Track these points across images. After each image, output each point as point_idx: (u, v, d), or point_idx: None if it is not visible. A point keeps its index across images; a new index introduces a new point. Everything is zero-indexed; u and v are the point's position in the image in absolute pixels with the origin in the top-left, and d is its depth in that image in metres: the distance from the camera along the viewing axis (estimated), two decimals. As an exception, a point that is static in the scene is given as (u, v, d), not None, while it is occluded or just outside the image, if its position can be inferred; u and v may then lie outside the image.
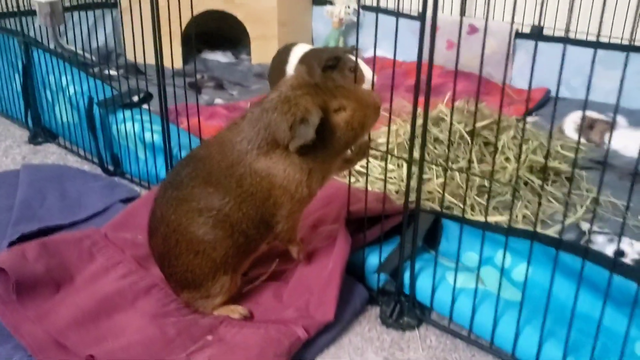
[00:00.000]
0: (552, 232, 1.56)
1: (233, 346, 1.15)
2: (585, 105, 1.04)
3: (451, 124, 1.19)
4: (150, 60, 1.64)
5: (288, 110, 1.09)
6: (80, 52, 1.85)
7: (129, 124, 1.84)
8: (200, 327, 1.21)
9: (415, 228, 1.28)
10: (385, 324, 1.30)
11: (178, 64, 2.84)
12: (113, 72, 2.75)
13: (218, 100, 2.53)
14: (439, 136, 1.82)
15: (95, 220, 1.65)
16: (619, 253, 1.51)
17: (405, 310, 1.31)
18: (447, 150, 1.74)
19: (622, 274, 1.23)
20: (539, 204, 1.16)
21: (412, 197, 1.26)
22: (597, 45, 1.20)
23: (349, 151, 1.31)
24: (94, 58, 1.92)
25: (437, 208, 1.58)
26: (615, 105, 1.01)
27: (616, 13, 2.44)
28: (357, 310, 1.32)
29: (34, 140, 2.19)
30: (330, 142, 1.13)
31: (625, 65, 0.98)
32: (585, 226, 1.61)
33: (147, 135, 1.79)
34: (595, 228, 1.61)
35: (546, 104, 2.53)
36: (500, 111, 1.15)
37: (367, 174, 1.33)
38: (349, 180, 1.36)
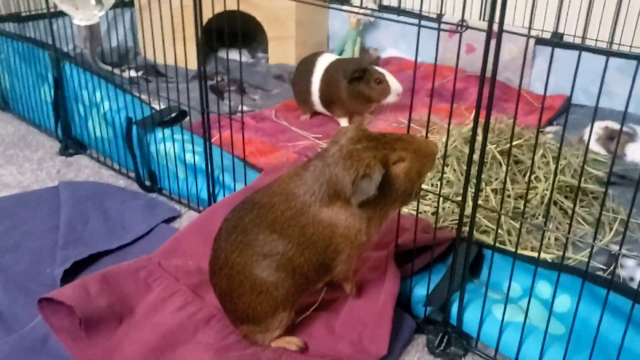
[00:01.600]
0: (582, 256, 1.62)
1: (297, 383, 1.21)
2: (594, 117, 1.10)
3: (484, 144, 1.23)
4: (169, 60, 1.66)
5: (351, 166, 1.15)
6: (117, 72, 1.87)
7: (168, 144, 1.88)
8: (263, 361, 1.27)
9: (466, 260, 1.34)
10: (433, 354, 1.37)
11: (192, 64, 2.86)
12: (133, 74, 2.77)
13: (243, 108, 2.56)
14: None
15: (141, 243, 1.70)
16: (649, 278, 1.57)
17: (452, 341, 1.38)
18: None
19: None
20: (567, 239, 1.22)
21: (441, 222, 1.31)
22: (610, 53, 1.22)
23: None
24: (131, 74, 1.94)
25: (475, 234, 1.64)
26: (622, 116, 1.05)
27: (639, 21, 2.47)
28: (406, 340, 1.39)
29: (65, 151, 2.22)
30: (389, 192, 1.19)
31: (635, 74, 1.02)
32: (614, 248, 1.67)
33: (188, 156, 1.83)
34: (624, 251, 1.67)
35: (567, 111, 2.57)
36: (514, 126, 1.20)
37: (417, 210, 1.38)
38: (399, 214, 1.41)
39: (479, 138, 1.96)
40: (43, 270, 1.58)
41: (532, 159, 1.21)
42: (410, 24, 1.25)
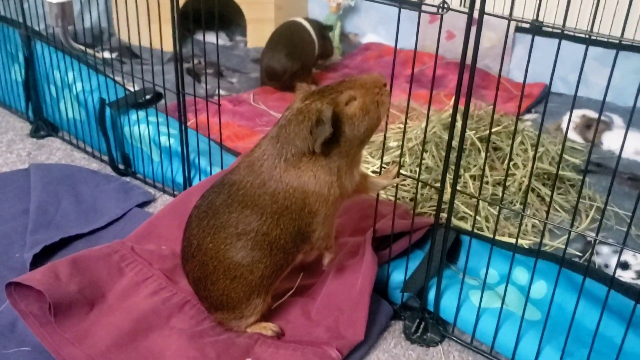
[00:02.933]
0: (559, 243, 1.63)
1: (273, 369, 1.20)
2: (572, 106, 1.10)
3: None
4: (144, 42, 1.63)
5: (303, 119, 1.15)
6: (90, 51, 1.82)
7: (142, 126, 1.84)
8: (238, 347, 1.25)
9: (443, 247, 1.33)
10: (410, 340, 1.36)
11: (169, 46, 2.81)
12: (105, 55, 2.71)
13: (220, 91, 2.51)
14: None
15: (114, 228, 1.66)
16: (623, 265, 1.58)
17: (429, 327, 1.37)
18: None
19: (621, 292, 1.32)
20: (544, 225, 1.22)
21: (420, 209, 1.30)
22: (589, 42, 1.20)
23: (381, 177, 1.35)
24: (105, 55, 1.89)
25: (453, 220, 1.63)
26: (601, 105, 1.05)
27: (617, 11, 2.48)
28: (383, 326, 1.38)
29: (36, 133, 2.16)
30: (352, 132, 1.17)
31: (614, 64, 1.02)
32: (590, 235, 1.68)
33: (163, 139, 1.79)
34: (599, 238, 1.68)
35: (546, 99, 2.58)
36: (493, 112, 1.20)
37: (395, 196, 1.37)
38: (377, 198, 1.39)
39: (458, 124, 1.95)
40: (12, 254, 1.54)
41: (511, 146, 1.20)
42: (390, 4, 1.23)
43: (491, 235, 1.59)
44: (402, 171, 1.35)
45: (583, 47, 2.58)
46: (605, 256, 1.62)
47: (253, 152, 1.23)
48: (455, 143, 1.85)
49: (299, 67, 2.49)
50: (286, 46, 2.51)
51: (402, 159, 1.86)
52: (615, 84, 2.47)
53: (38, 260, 1.50)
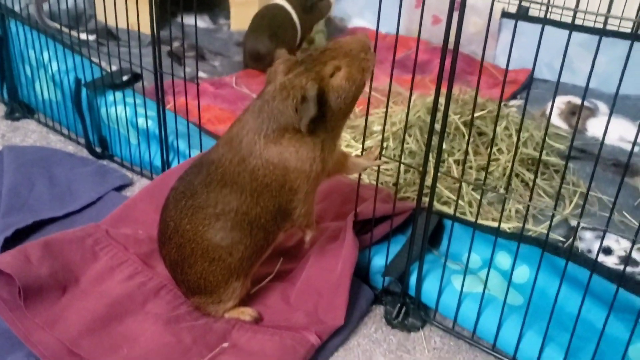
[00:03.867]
0: (542, 228, 1.61)
1: (250, 354, 1.17)
2: (555, 92, 1.09)
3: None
4: (124, 23, 1.59)
5: (288, 96, 1.11)
6: (65, 29, 1.76)
7: (119, 108, 1.79)
8: (214, 333, 1.22)
9: (425, 230, 1.31)
10: (391, 325, 1.34)
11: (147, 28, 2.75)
12: (83, 37, 2.64)
13: (201, 74, 2.47)
14: (435, 127, 1.82)
15: (90, 212, 1.62)
16: (606, 250, 1.57)
17: (410, 312, 1.35)
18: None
19: (603, 276, 1.31)
20: (527, 207, 1.20)
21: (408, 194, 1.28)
22: (573, 28, 1.19)
23: (362, 158, 1.32)
24: (81, 36, 1.83)
25: (436, 204, 1.61)
26: (584, 91, 1.04)
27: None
28: (364, 311, 1.35)
29: (11, 115, 2.10)
30: (337, 104, 1.14)
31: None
32: (574, 222, 1.67)
33: (140, 121, 1.75)
34: (583, 224, 1.67)
35: (530, 86, 2.56)
36: (476, 96, 1.18)
37: (377, 180, 1.34)
38: (359, 181, 1.36)
39: (441, 108, 1.93)
40: (-18, 237, 1.49)
41: (494, 130, 1.17)
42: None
43: (474, 220, 1.57)
44: (383, 154, 1.33)
45: (568, 33, 2.57)
46: (588, 241, 1.60)
47: (232, 127, 1.19)
48: (438, 127, 1.83)
49: (288, 49, 2.47)
50: (268, 28, 2.48)
51: (386, 143, 1.84)
52: (600, 70, 2.48)
53: (10, 244, 1.44)
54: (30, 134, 2.01)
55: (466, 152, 1.23)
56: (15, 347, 1.17)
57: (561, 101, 2.33)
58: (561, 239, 1.59)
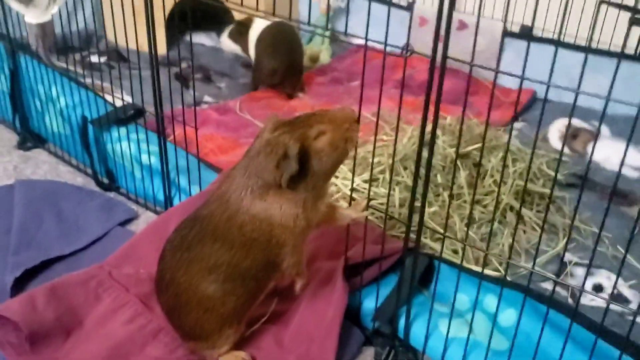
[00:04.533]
0: (524, 271, 1.64)
1: (241, 400, 1.23)
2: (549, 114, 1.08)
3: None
4: (133, 44, 1.64)
5: (270, 152, 1.16)
6: (72, 68, 1.83)
7: (124, 144, 1.85)
8: (208, 378, 1.28)
9: (413, 273, 1.35)
10: (380, 367, 1.39)
11: (162, 49, 2.82)
12: (95, 60, 2.72)
13: (207, 98, 2.53)
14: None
15: (95, 248, 1.69)
16: (597, 288, 1.60)
17: (399, 354, 1.39)
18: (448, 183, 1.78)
19: (584, 326, 1.34)
20: (510, 254, 1.23)
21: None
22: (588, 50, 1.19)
23: (350, 210, 1.36)
24: (86, 72, 1.90)
25: (429, 241, 1.65)
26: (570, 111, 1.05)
27: (606, 18, 2.46)
28: (354, 353, 1.40)
29: (23, 145, 2.18)
30: (319, 166, 1.19)
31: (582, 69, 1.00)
32: (567, 256, 1.69)
33: (144, 157, 1.81)
34: (575, 259, 1.69)
35: (532, 106, 2.58)
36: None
37: (365, 223, 1.38)
38: (348, 231, 1.41)
39: (439, 141, 1.94)
40: (-7, 276, 1.56)
41: (479, 162, 1.21)
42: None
43: (467, 264, 1.61)
44: (373, 202, 1.37)
45: (573, 53, 2.58)
46: (580, 277, 1.63)
47: (223, 184, 1.25)
48: (435, 161, 1.86)
49: (298, 65, 2.59)
50: (283, 44, 2.54)
51: (382, 176, 1.88)
52: (603, 91, 2.48)
53: (19, 281, 1.53)
54: (41, 164, 2.09)
55: (449, 200, 1.26)
56: (22, 393, 1.24)
57: (562, 124, 2.35)
58: (551, 276, 1.61)
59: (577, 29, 2.56)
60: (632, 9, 2.23)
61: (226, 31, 2.70)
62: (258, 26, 2.57)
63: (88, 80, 1.96)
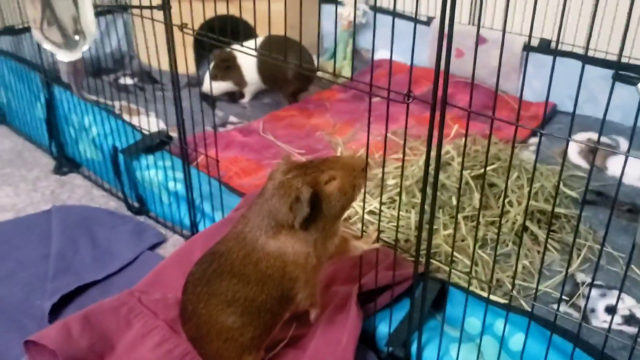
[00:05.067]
0: (547, 287, 1.68)
1: None
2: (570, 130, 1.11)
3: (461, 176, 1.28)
4: (165, 65, 1.74)
5: (284, 194, 1.24)
6: (102, 100, 1.94)
7: (152, 171, 1.95)
8: (231, 403, 1.36)
9: (423, 300, 1.41)
10: (394, 389, 1.46)
11: (191, 69, 2.92)
12: (126, 82, 2.84)
13: (232, 118, 2.62)
14: (445, 182, 1.91)
15: (126, 272, 1.79)
16: (609, 309, 1.63)
17: (413, 377, 1.46)
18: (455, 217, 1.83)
19: (587, 352, 1.37)
20: (513, 284, 1.28)
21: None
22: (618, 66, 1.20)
23: (361, 242, 1.43)
24: (115, 105, 2.01)
25: (442, 265, 1.70)
26: (601, 127, 1.07)
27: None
28: (369, 377, 1.47)
29: (59, 170, 2.30)
30: (328, 210, 1.27)
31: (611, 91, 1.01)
32: (579, 277, 1.73)
33: (171, 184, 1.91)
34: (588, 279, 1.72)
35: (552, 120, 2.59)
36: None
37: (377, 257, 1.45)
38: (360, 261, 1.47)
39: (454, 162, 1.98)
40: (33, 301, 1.68)
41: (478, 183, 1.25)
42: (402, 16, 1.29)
43: (480, 281, 1.66)
44: (383, 236, 1.43)
45: (593, 66, 2.58)
46: (593, 300, 1.66)
47: (240, 222, 1.33)
48: (448, 182, 1.89)
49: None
50: (292, 47, 2.60)
51: (398, 198, 1.93)
52: (622, 103, 2.49)
53: (56, 307, 1.64)
54: (76, 189, 2.21)
55: (455, 226, 1.31)
56: (59, 417, 1.34)
57: (581, 138, 2.36)
58: (565, 298, 1.66)
59: (597, 41, 2.57)
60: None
61: (206, 77, 2.68)
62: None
63: (119, 103, 2.07)
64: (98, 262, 1.82)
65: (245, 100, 2.82)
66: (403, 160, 1.34)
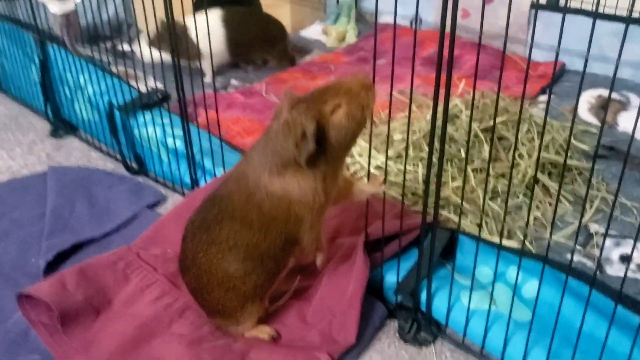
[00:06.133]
0: (560, 237, 1.62)
1: (264, 375, 1.26)
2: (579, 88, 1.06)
3: (470, 127, 1.22)
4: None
5: (289, 132, 1.16)
6: (97, 55, 1.87)
7: (150, 128, 1.89)
8: (233, 353, 1.31)
9: (432, 247, 1.35)
10: (403, 340, 1.40)
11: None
12: (124, 48, 2.76)
13: (233, 82, 2.55)
14: (454, 135, 1.85)
15: (125, 230, 1.74)
16: (624, 258, 1.57)
17: (422, 326, 1.40)
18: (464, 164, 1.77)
19: (603, 293, 1.31)
20: (526, 228, 1.22)
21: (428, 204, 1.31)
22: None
23: (368, 185, 1.37)
24: (111, 59, 1.94)
25: (452, 215, 1.65)
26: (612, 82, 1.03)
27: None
28: (377, 327, 1.41)
29: (55, 133, 2.24)
30: (338, 140, 1.19)
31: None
32: (592, 228, 1.67)
33: (169, 140, 1.84)
34: (601, 230, 1.67)
35: (561, 78, 2.52)
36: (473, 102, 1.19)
37: (384, 198, 1.39)
38: (367, 206, 1.41)
39: (463, 117, 1.93)
40: (29, 259, 1.62)
41: (490, 138, 1.19)
42: None
43: (490, 232, 1.60)
44: (391, 178, 1.37)
45: (602, 22, 2.51)
46: (607, 249, 1.60)
47: (240, 164, 1.27)
48: (457, 135, 1.84)
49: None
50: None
51: (405, 153, 1.87)
52: (634, 60, 2.41)
53: (52, 264, 1.58)
54: (72, 151, 2.15)
55: (465, 165, 1.26)
56: (55, 370, 1.29)
57: (591, 95, 2.29)
58: (578, 247, 1.60)
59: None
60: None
61: (143, 39, 2.40)
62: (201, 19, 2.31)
63: (116, 68, 2.01)
64: (95, 220, 1.76)
65: (207, 78, 2.51)
66: (410, 106, 1.27)
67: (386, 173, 1.36)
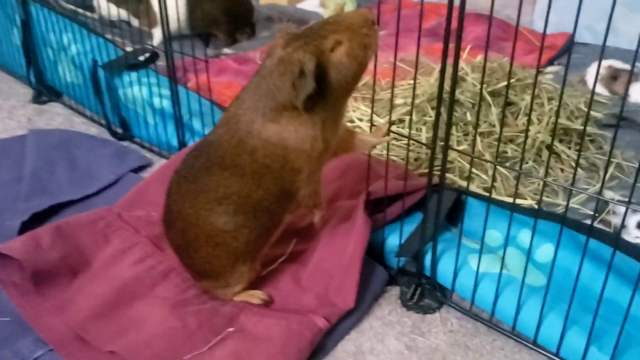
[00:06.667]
0: (574, 203, 1.52)
1: (255, 339, 1.14)
2: (600, 57, 0.97)
3: (481, 90, 1.13)
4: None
5: (285, 70, 1.05)
6: (80, 10, 1.76)
7: (136, 88, 1.78)
8: (221, 317, 1.20)
9: (438, 208, 1.24)
10: (406, 306, 1.29)
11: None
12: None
13: (226, 50, 2.44)
14: (460, 98, 1.74)
15: (107, 194, 1.62)
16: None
17: (426, 292, 1.29)
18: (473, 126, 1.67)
19: (627, 253, 1.21)
20: (543, 183, 1.12)
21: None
22: None
23: (370, 135, 1.26)
24: (95, 16, 1.83)
25: (458, 180, 1.54)
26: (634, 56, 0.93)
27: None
28: (377, 292, 1.31)
29: (38, 99, 2.13)
30: (339, 81, 1.07)
31: None
32: (607, 194, 1.57)
33: (156, 100, 1.73)
34: (616, 197, 1.57)
35: (568, 50, 2.42)
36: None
37: (387, 155, 1.28)
38: (369, 159, 1.30)
39: (468, 78, 1.83)
40: (3, 221, 1.51)
41: (506, 100, 1.10)
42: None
43: (497, 196, 1.50)
44: (395, 128, 1.26)
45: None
46: (622, 216, 1.50)
47: (230, 106, 1.15)
48: (463, 97, 1.74)
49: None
50: None
51: (408, 117, 1.77)
52: (644, 31, 2.32)
53: (27, 227, 1.46)
54: (55, 117, 2.03)
55: (476, 125, 1.15)
56: (26, 332, 1.17)
57: (602, 66, 2.19)
58: (591, 212, 1.50)
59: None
60: None
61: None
62: None
63: (99, 31, 1.90)
64: (76, 182, 1.65)
65: (155, 41, 2.36)
66: (416, 67, 1.17)
67: (390, 123, 1.25)
